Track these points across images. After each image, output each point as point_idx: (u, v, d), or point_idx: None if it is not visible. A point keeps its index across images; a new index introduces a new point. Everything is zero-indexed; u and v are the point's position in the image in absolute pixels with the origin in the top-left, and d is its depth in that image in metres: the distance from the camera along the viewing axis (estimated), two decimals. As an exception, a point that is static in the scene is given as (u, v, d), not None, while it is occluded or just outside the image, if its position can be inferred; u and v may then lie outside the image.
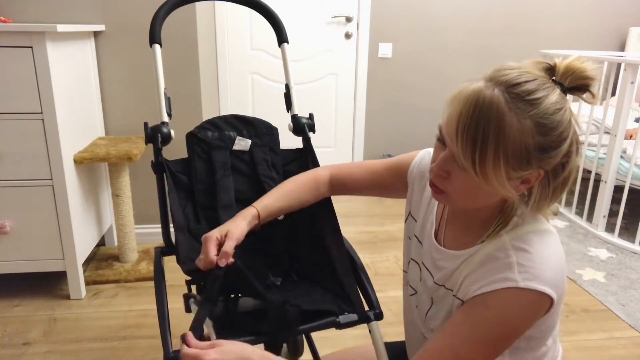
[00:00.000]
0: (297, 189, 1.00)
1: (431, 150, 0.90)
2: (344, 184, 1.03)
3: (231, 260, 0.86)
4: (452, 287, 0.80)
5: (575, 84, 0.70)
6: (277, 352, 0.91)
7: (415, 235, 0.93)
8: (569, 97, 0.72)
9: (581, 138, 2.98)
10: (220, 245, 0.87)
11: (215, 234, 0.88)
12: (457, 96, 0.69)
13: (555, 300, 0.71)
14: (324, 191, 1.04)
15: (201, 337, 0.88)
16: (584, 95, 0.72)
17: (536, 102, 0.66)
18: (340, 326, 0.94)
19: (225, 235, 0.88)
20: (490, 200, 0.74)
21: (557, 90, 0.69)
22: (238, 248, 1.09)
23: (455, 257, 0.80)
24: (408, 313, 0.97)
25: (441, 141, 0.73)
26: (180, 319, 1.07)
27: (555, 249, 0.74)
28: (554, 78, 0.71)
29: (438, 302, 0.84)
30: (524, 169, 0.68)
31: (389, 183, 0.99)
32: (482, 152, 0.65)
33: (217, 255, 0.86)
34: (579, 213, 2.85)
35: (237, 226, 0.90)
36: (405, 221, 0.98)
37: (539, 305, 0.70)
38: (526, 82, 0.67)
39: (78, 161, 1.86)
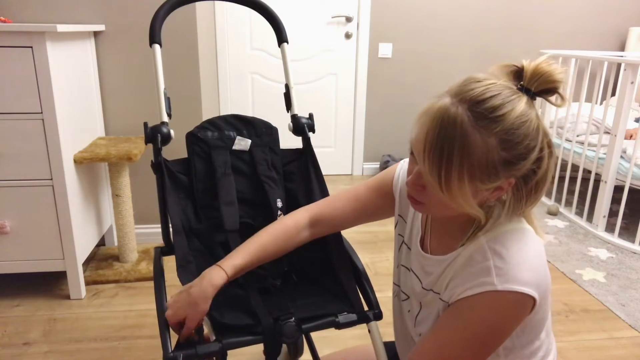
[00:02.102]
0: (274, 241, 0.94)
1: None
2: (327, 220, 0.97)
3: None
4: (439, 290, 0.82)
5: (544, 87, 0.71)
6: (276, 353, 0.91)
7: (405, 243, 0.94)
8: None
9: (581, 138, 2.97)
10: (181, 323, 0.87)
11: (171, 320, 0.85)
12: (424, 114, 0.70)
13: (537, 298, 0.71)
14: (305, 235, 0.97)
15: (201, 336, 0.88)
16: (553, 98, 0.73)
17: (500, 118, 0.66)
18: (339, 326, 0.94)
19: (185, 320, 0.85)
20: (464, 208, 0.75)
21: (524, 100, 0.69)
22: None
23: (440, 262, 0.82)
24: (399, 319, 0.98)
25: (414, 155, 0.74)
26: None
27: (532, 246, 0.74)
28: (521, 83, 0.71)
29: (427, 306, 0.86)
30: (492, 181, 0.69)
31: (375, 205, 0.96)
32: (447, 171, 0.67)
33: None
34: (579, 213, 2.85)
35: (198, 311, 0.85)
36: (395, 226, 0.98)
37: (521, 305, 0.71)
38: (491, 97, 0.67)
39: (78, 161, 1.86)
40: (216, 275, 0.87)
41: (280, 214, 1.13)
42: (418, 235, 0.89)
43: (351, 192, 0.98)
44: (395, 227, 0.98)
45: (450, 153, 0.66)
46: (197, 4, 2.29)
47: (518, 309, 0.72)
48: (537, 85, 0.71)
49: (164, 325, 0.87)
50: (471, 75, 0.72)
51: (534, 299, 0.71)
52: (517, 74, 0.72)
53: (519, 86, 0.71)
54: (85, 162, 1.87)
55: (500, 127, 0.66)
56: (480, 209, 0.72)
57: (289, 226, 0.96)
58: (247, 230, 1.09)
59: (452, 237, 0.81)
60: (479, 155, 0.66)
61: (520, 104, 0.68)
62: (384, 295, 1.97)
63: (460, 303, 0.74)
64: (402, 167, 0.95)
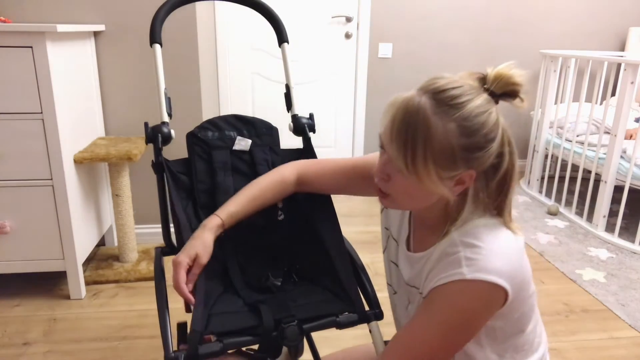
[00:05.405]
0: (263, 193, 1.02)
1: None
2: (312, 184, 1.05)
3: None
4: (419, 285, 0.86)
5: (505, 90, 0.75)
6: (276, 353, 0.91)
7: (393, 238, 0.97)
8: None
9: (581, 138, 2.98)
10: (189, 268, 0.90)
11: (184, 259, 0.89)
12: (391, 104, 0.75)
13: (508, 290, 0.73)
14: (290, 190, 1.05)
15: (201, 337, 0.88)
16: (515, 101, 0.77)
17: (459, 105, 0.72)
18: (340, 326, 0.94)
19: (195, 259, 0.90)
20: (430, 200, 0.79)
21: (484, 96, 0.74)
22: (239, 248, 1.10)
23: (420, 259, 0.86)
24: (395, 315, 1.02)
25: (382, 147, 0.78)
26: (181, 319, 1.07)
27: (506, 241, 0.77)
28: (485, 86, 0.76)
29: (413, 301, 0.90)
30: (452, 169, 0.73)
31: (359, 183, 1.01)
32: (413, 153, 0.72)
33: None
34: (579, 213, 2.85)
35: (205, 247, 0.92)
36: (382, 211, 1.02)
37: (490, 295, 0.74)
38: (452, 88, 0.73)
39: (78, 161, 1.86)
40: (211, 220, 0.96)
41: (281, 215, 1.13)
42: (405, 233, 0.93)
43: (340, 164, 1.03)
44: (382, 212, 1.02)
45: (414, 136, 0.71)
46: (197, 4, 2.29)
47: (487, 298, 0.74)
48: (499, 88, 0.75)
49: (164, 325, 0.87)
50: (438, 74, 0.77)
51: (505, 291, 0.73)
52: (482, 79, 0.77)
53: (483, 89, 0.76)
54: (85, 162, 1.87)
55: (459, 113, 0.71)
56: (448, 191, 0.75)
57: (277, 181, 1.03)
58: (246, 231, 1.09)
59: (432, 235, 0.84)
60: (439, 139, 0.71)
61: (480, 98, 0.73)
62: (385, 295, 1.97)
63: (432, 292, 0.77)
64: None
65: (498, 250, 0.74)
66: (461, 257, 0.74)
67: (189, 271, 0.89)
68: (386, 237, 1.01)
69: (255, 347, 0.93)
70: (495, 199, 0.78)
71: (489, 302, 0.74)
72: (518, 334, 0.83)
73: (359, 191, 1.03)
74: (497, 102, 0.76)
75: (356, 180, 1.01)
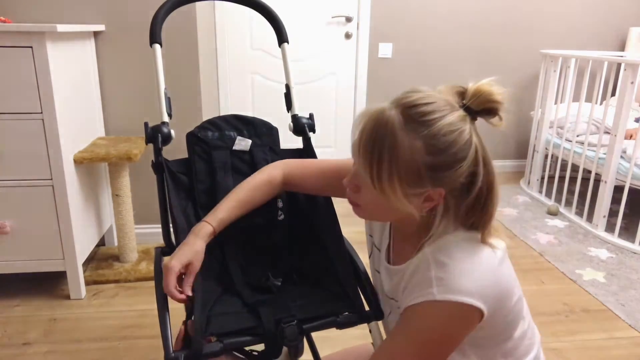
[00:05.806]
0: (251, 196, 1.01)
1: None
2: (297, 185, 1.05)
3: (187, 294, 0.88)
4: (398, 298, 0.85)
5: (483, 106, 0.73)
6: (276, 354, 0.92)
7: (375, 245, 0.97)
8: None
9: (581, 138, 2.97)
10: (181, 274, 0.88)
11: (176, 265, 0.87)
12: (362, 115, 0.74)
13: (483, 308, 0.71)
14: (278, 190, 1.06)
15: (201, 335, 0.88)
16: (493, 120, 0.74)
17: (429, 122, 0.70)
18: (340, 326, 0.94)
19: (187, 266, 0.88)
20: (399, 213, 0.76)
21: (457, 113, 0.71)
22: (239, 248, 1.10)
23: (397, 272, 0.85)
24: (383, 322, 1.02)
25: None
26: (180, 319, 1.08)
27: (479, 256, 0.74)
28: (463, 101, 0.73)
29: (393, 311, 0.89)
30: (418, 186, 0.71)
31: (339, 186, 0.99)
32: (378, 167, 0.71)
33: (179, 286, 0.88)
34: (579, 213, 2.85)
35: (197, 255, 0.90)
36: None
37: (463, 315, 0.72)
38: (424, 104, 0.70)
39: (78, 161, 1.86)
40: (203, 227, 0.94)
41: (281, 215, 1.13)
42: (386, 242, 0.92)
43: (324, 166, 1.03)
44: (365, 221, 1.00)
45: (380, 150, 0.70)
46: (197, 4, 2.29)
47: (460, 318, 0.72)
48: (477, 104, 0.73)
49: (164, 325, 0.87)
50: (414, 87, 0.75)
51: (478, 309, 0.71)
52: (461, 94, 0.75)
53: (461, 104, 0.73)
54: (85, 162, 1.87)
55: (427, 131, 0.69)
56: (415, 210, 0.74)
57: (265, 183, 1.03)
58: (246, 231, 1.09)
59: (409, 247, 0.83)
60: (404, 155, 0.69)
61: (452, 115, 0.71)
62: (384, 295, 1.97)
63: (406, 311, 0.76)
64: None
65: (468, 268, 0.72)
66: (432, 277, 0.73)
67: (180, 277, 0.88)
68: (370, 244, 1.00)
69: (257, 347, 0.93)
70: (470, 217, 0.76)
71: (462, 321, 0.73)
72: (505, 341, 0.82)
73: (342, 194, 1.00)
74: (475, 119, 0.74)
75: (338, 182, 0.98)
